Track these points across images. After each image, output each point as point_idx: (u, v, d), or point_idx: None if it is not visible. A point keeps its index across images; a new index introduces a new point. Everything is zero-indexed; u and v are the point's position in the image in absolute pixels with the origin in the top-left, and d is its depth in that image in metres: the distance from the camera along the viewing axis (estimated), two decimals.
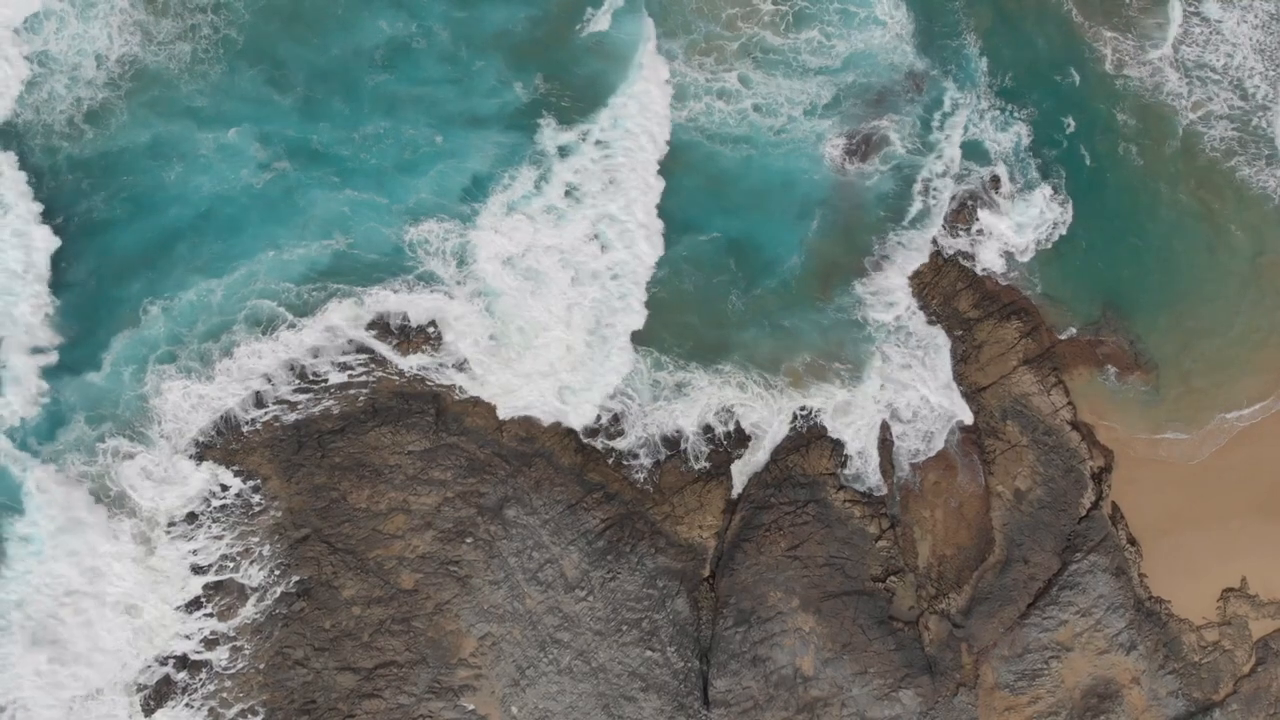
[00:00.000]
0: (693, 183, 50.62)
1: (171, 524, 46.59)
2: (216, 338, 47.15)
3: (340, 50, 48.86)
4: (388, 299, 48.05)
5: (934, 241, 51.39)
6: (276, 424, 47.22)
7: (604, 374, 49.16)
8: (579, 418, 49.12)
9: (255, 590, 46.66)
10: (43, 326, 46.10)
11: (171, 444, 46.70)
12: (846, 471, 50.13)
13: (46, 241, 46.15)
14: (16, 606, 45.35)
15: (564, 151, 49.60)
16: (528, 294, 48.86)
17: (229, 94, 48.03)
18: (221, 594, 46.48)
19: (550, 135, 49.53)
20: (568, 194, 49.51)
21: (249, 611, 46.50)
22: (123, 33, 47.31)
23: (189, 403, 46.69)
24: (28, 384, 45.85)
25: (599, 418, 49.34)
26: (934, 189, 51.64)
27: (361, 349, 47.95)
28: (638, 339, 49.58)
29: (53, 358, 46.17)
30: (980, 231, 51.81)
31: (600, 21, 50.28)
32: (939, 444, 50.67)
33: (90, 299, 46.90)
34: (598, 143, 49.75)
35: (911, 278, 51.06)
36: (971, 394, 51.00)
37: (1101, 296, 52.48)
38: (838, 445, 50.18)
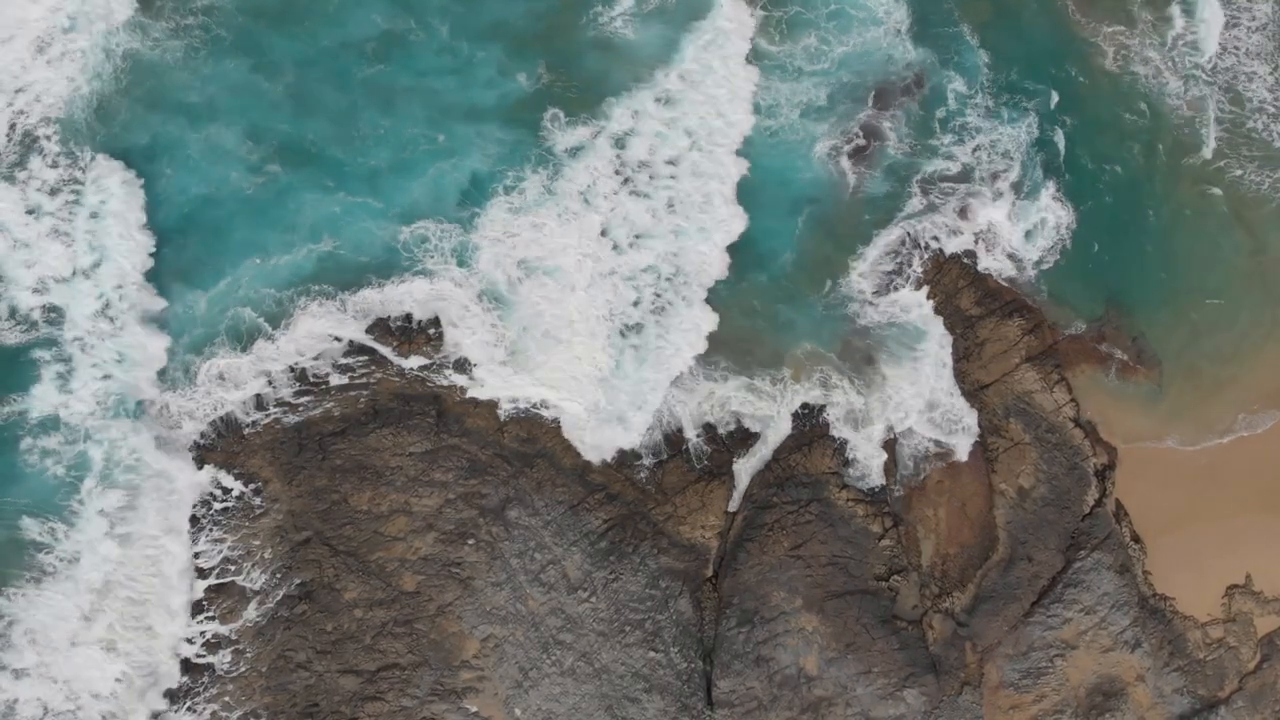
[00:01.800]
0: None
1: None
2: (199, 350, 47.06)
3: (332, 47, 48.54)
4: (382, 298, 47.86)
5: (936, 240, 51.37)
6: (277, 426, 47.16)
7: (638, 411, 49.10)
8: (603, 446, 48.93)
9: (257, 593, 46.53)
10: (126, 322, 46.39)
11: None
12: (849, 471, 50.02)
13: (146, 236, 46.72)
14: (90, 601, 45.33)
15: (571, 148, 49.43)
16: (540, 302, 48.63)
17: (219, 96, 47.81)
18: (223, 597, 46.35)
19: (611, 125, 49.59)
20: (582, 195, 49.37)
21: (251, 614, 46.37)
22: (126, 30, 47.38)
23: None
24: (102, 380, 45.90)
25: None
26: (934, 187, 51.65)
27: (362, 350, 47.87)
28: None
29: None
30: (982, 230, 51.67)
31: None
32: (963, 454, 50.39)
33: None
34: (612, 139, 49.56)
35: (914, 277, 51.17)
36: (974, 392, 50.91)
37: (1104, 293, 52.40)
38: (840, 444, 50.09)
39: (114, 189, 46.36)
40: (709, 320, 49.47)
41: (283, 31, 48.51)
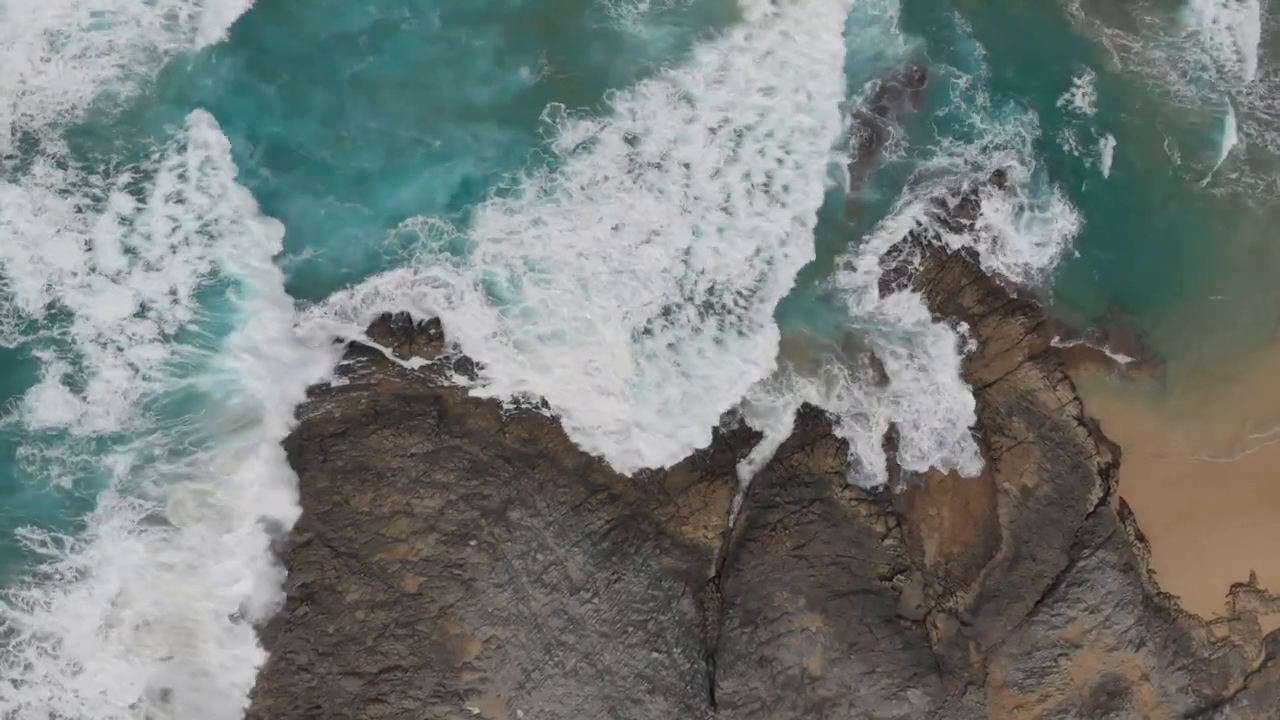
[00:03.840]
0: None
1: None
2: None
3: (326, 42, 47.97)
4: (354, 301, 47.41)
5: (938, 238, 51.29)
6: None
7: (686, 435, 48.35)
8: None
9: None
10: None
11: None
12: (852, 470, 49.90)
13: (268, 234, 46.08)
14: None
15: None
16: (550, 302, 48.18)
17: (214, 92, 47.32)
18: None
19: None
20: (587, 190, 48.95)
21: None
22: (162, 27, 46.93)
23: None
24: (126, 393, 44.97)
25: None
26: (935, 186, 51.55)
27: (362, 350, 47.66)
28: None
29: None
30: (985, 229, 51.56)
31: None
32: (974, 465, 50.14)
33: None
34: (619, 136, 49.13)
35: (915, 275, 51.09)
36: (976, 390, 50.81)
37: (1108, 292, 52.36)
38: (843, 444, 49.97)
39: (169, 180, 45.78)
40: (773, 337, 48.78)
41: (271, 19, 47.73)
